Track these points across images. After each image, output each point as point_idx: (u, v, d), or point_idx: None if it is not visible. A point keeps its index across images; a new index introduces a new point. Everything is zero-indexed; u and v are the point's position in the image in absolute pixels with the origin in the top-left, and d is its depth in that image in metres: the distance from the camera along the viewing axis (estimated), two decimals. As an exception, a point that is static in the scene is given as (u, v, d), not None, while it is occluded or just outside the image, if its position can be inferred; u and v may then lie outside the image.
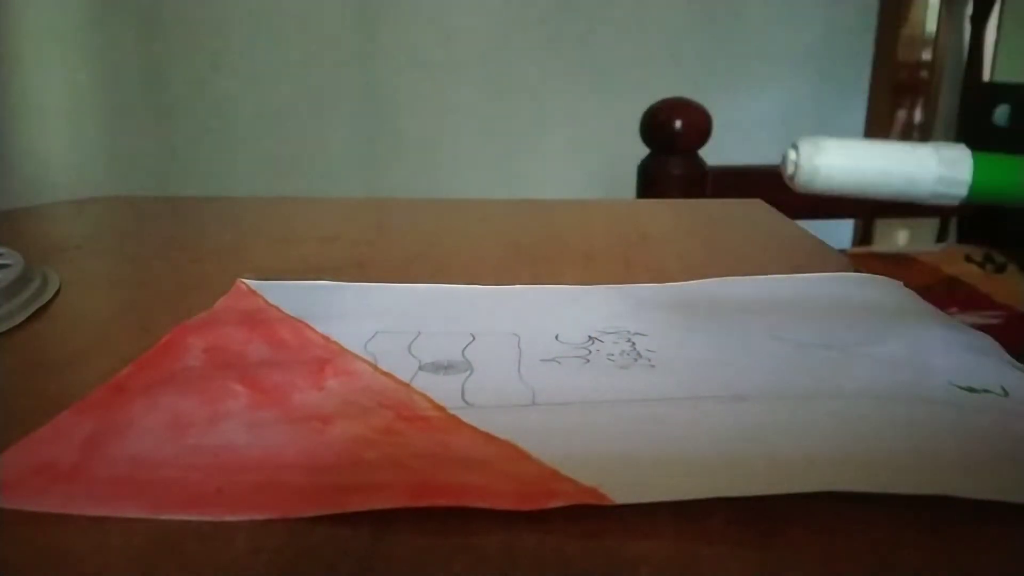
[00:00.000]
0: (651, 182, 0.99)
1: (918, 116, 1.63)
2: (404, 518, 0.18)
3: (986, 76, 1.65)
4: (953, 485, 0.18)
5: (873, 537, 0.18)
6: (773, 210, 0.57)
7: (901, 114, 1.61)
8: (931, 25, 1.60)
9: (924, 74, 1.61)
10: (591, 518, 0.18)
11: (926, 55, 1.60)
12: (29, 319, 0.33)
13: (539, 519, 0.18)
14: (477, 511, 0.18)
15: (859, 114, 1.59)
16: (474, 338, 0.29)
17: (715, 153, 0.98)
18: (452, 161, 1.58)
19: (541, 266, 0.43)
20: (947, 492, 0.18)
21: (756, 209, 0.58)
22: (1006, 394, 0.24)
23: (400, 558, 0.17)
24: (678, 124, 0.98)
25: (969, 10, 1.64)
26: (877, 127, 1.57)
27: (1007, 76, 1.64)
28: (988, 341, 0.29)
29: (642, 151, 1.01)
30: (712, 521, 0.18)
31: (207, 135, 1.54)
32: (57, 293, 0.36)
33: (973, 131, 1.63)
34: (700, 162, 0.98)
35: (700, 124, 0.98)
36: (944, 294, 0.92)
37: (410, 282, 0.38)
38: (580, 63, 1.52)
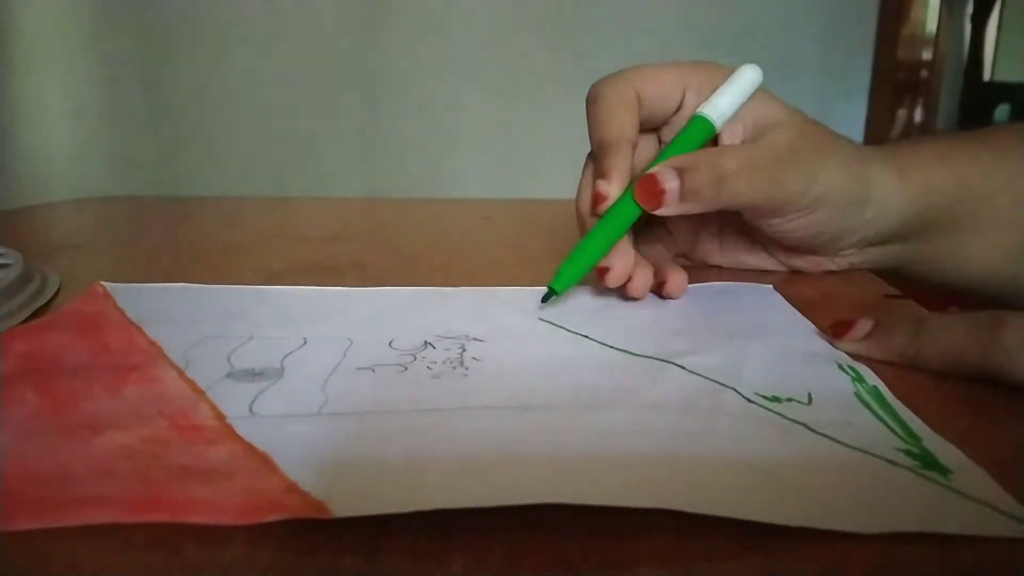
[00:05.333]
0: (651, 182, 0.99)
1: (918, 116, 1.62)
2: (404, 518, 0.18)
3: (986, 76, 1.65)
4: (710, 503, 0.18)
5: (873, 537, 0.18)
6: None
7: (901, 114, 1.61)
8: (931, 25, 1.59)
9: (924, 74, 1.61)
10: (592, 518, 0.18)
11: (926, 55, 1.60)
12: (29, 319, 0.33)
13: (540, 519, 0.18)
14: (477, 511, 0.18)
15: (859, 114, 1.59)
16: (305, 342, 0.30)
17: (715, 153, 0.98)
18: (452, 161, 1.58)
19: (541, 266, 0.43)
20: (705, 511, 0.18)
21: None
22: (810, 402, 0.24)
23: (400, 558, 0.17)
24: (678, 124, 0.98)
25: (969, 10, 1.64)
26: (877, 127, 1.57)
27: (1007, 76, 1.64)
28: (827, 346, 0.29)
29: (642, 151, 1.00)
30: (712, 521, 0.18)
31: (207, 135, 1.54)
32: (57, 293, 0.36)
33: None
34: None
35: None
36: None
37: (411, 283, 0.38)
38: (581, 62, 1.52)
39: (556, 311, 0.34)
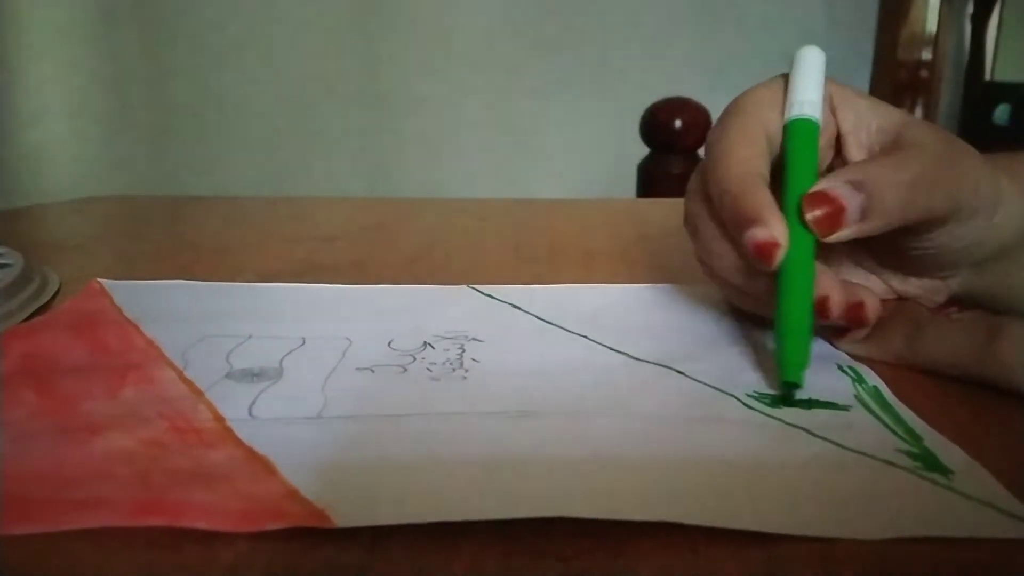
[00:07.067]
0: (651, 182, 0.99)
1: (918, 115, 1.63)
2: (404, 518, 0.18)
3: (987, 76, 1.66)
4: (714, 515, 0.18)
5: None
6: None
7: (901, 114, 1.61)
8: (931, 25, 1.60)
9: (924, 74, 1.61)
10: (591, 519, 0.18)
11: (926, 55, 1.60)
12: (28, 319, 0.33)
13: (540, 519, 0.18)
14: (477, 511, 0.18)
15: (859, 114, 1.59)
16: (304, 342, 0.30)
17: (715, 153, 0.98)
18: (452, 161, 1.58)
19: (541, 266, 0.43)
20: (708, 523, 0.18)
21: (756, 209, 0.58)
22: (810, 407, 0.24)
23: (400, 559, 0.17)
24: (678, 124, 0.98)
25: (969, 10, 1.64)
26: (877, 127, 1.57)
27: (1007, 75, 1.64)
28: (827, 347, 0.29)
29: (642, 151, 1.01)
30: (712, 521, 0.18)
31: (207, 135, 1.55)
32: (57, 293, 0.36)
33: (974, 130, 1.63)
34: (700, 161, 0.98)
35: (700, 124, 0.98)
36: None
37: (411, 283, 0.38)
38: (580, 63, 1.52)
39: (557, 312, 0.34)
